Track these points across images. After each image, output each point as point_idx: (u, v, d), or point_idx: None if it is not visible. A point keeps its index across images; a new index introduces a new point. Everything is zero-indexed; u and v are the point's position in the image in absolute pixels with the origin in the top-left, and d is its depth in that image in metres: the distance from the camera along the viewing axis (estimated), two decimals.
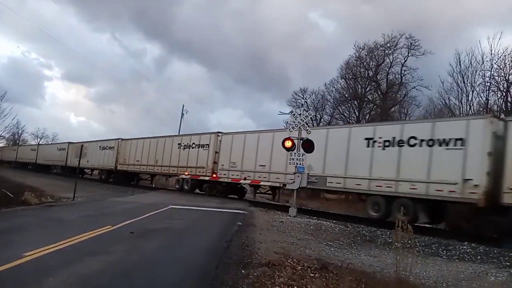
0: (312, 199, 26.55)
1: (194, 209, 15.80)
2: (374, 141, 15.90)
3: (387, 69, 39.17)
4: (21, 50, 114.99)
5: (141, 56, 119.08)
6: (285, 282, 5.50)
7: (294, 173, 16.18)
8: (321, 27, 79.99)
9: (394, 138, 15.30)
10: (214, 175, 23.36)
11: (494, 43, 29.29)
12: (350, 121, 39.25)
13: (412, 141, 14.70)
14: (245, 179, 21.74)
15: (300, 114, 16.81)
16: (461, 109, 30.21)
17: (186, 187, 25.78)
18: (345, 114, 41.82)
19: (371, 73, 40.04)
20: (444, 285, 6.76)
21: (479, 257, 9.73)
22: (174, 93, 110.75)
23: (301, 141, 15.91)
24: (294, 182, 16.32)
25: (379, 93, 40.27)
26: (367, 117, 39.66)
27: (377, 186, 15.47)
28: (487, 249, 10.50)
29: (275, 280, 5.57)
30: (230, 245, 8.26)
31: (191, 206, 16.43)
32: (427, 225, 15.39)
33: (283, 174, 19.13)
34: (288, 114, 30.34)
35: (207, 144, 24.34)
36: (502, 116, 19.91)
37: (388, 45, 37.92)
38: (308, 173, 16.38)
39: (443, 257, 9.79)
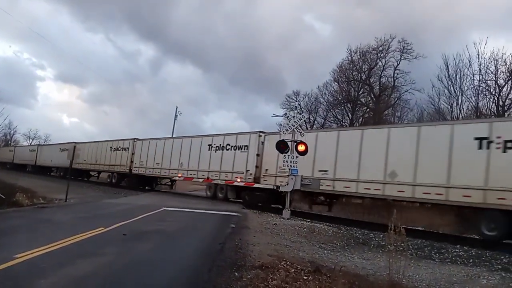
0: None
1: (188, 211, 15.76)
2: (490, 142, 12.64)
3: (380, 73, 39.34)
4: (13, 50, 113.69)
5: (135, 57, 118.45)
6: (278, 285, 5.49)
7: (288, 175, 16.22)
8: (316, 29, 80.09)
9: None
10: (255, 181, 20.50)
11: (481, 48, 29.53)
12: (344, 124, 39.41)
13: None
14: None
15: (293, 117, 16.84)
16: (452, 113, 30.45)
17: (220, 195, 22.79)
18: (339, 117, 41.99)
19: (364, 76, 40.21)
20: None
21: (471, 260, 9.79)
22: (168, 95, 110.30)
23: (295, 143, 15.94)
24: (287, 184, 16.35)
25: (372, 96, 40.44)
26: (360, 120, 39.83)
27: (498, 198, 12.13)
28: (479, 252, 10.58)
29: (268, 283, 5.55)
30: (223, 247, 8.23)
31: (184, 208, 16.38)
32: (420, 228, 15.47)
33: (354, 182, 16.06)
34: (282, 116, 30.45)
35: (245, 146, 21.40)
36: None
37: (381, 48, 38.10)
38: (302, 176, 16.38)
39: (436, 260, 9.84)
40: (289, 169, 15.94)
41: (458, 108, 30.31)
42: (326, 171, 17.09)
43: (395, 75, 38.23)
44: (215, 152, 23.12)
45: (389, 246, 6.14)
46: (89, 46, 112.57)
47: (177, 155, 25.98)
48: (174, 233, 10.37)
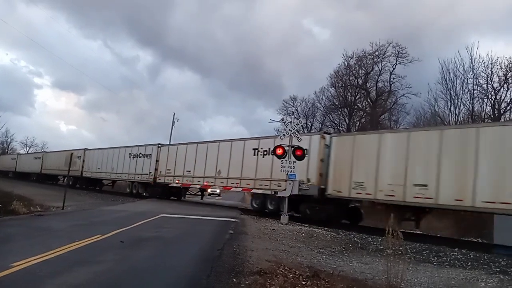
0: None
1: (185, 217, 15.71)
2: None
3: (376, 77, 39.63)
4: (10, 58, 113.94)
5: (133, 64, 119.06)
6: None
7: (286, 181, 16.23)
8: (315, 34, 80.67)
9: None
10: (320, 192, 17.14)
11: (473, 52, 29.70)
12: (341, 128, 39.54)
13: None
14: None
15: (291, 122, 16.88)
16: (450, 116, 30.57)
17: (270, 207, 19.65)
18: (336, 122, 42.16)
19: (360, 81, 40.45)
20: None
21: (469, 263, 9.81)
22: (167, 101, 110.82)
23: (292, 148, 15.97)
24: (285, 189, 16.35)
25: (369, 100, 40.64)
26: (357, 125, 39.98)
27: None
28: (478, 255, 10.60)
29: None
30: (221, 253, 8.21)
31: (182, 215, 16.33)
32: (418, 232, 15.49)
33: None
34: (279, 122, 30.48)
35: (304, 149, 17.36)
36: None
37: (377, 53, 38.41)
38: (299, 181, 16.37)
39: (434, 263, 9.85)
40: (287, 174, 15.93)
41: (455, 112, 30.47)
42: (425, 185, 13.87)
43: (391, 79, 38.52)
44: (262, 157, 20.22)
45: (387, 250, 6.15)
46: (87, 53, 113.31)
47: (213, 161, 23.01)
48: (172, 239, 10.33)
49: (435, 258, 10.45)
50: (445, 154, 13.48)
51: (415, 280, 7.35)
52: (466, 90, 29.78)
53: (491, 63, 28.39)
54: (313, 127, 43.31)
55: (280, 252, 9.18)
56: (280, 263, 7.38)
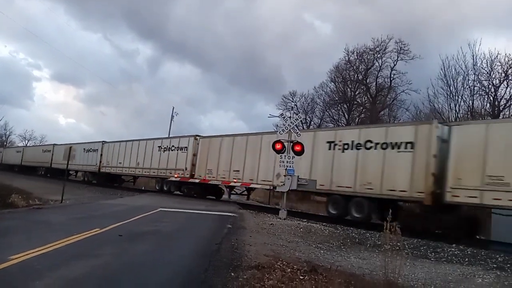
0: None
1: (184, 211, 15.72)
2: None
3: (377, 73, 39.63)
4: (9, 50, 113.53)
5: (133, 57, 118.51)
6: (274, 285, 5.50)
7: (285, 176, 16.23)
8: (317, 28, 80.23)
9: None
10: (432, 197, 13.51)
11: (475, 49, 29.68)
12: (340, 124, 39.50)
13: None
14: None
15: (290, 117, 16.85)
16: (449, 113, 30.57)
17: (356, 215, 15.79)
18: (335, 117, 42.14)
19: (360, 77, 40.43)
20: (432, 287, 6.82)
21: (467, 259, 9.84)
22: (166, 95, 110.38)
23: (291, 143, 15.96)
24: (284, 184, 16.36)
25: (369, 96, 40.65)
26: (356, 120, 39.96)
27: None
28: (475, 251, 10.64)
29: (265, 283, 5.55)
30: (219, 247, 8.22)
31: (180, 209, 16.33)
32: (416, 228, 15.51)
33: None
34: (278, 116, 30.46)
35: (406, 143, 14.60)
36: None
37: (378, 49, 38.36)
38: (298, 176, 16.37)
39: (432, 259, 9.89)
40: (286, 169, 15.93)
41: (455, 109, 30.48)
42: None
43: (392, 75, 38.48)
44: (342, 152, 16.82)
45: (385, 246, 6.17)
46: (86, 46, 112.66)
47: (271, 158, 18.76)
48: (170, 233, 10.34)
49: (433, 253, 10.48)
50: None
51: (413, 275, 7.38)
52: (467, 87, 29.83)
53: (492, 60, 28.42)
54: (312, 122, 43.36)
55: (278, 247, 9.20)
56: (278, 258, 7.40)
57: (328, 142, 17.44)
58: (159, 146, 27.44)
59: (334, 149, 17.14)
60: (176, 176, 25.20)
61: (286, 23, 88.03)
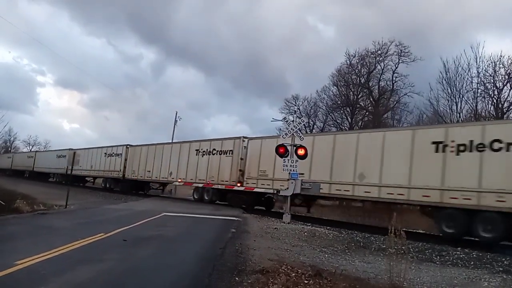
0: None
1: (188, 216, 15.73)
2: None
3: (379, 76, 39.58)
4: (13, 56, 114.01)
5: (136, 61, 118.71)
6: None
7: (288, 180, 16.22)
8: (320, 31, 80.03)
9: None
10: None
11: (479, 51, 29.61)
12: (343, 127, 39.48)
13: None
14: None
15: (293, 121, 16.85)
16: (451, 116, 30.50)
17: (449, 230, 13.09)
18: (338, 121, 42.10)
19: (363, 80, 40.37)
20: None
21: (472, 263, 9.78)
22: (170, 99, 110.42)
23: (294, 147, 15.95)
24: (287, 188, 16.34)
25: (371, 99, 40.59)
26: (359, 124, 39.92)
27: None
28: (480, 254, 10.57)
29: (269, 287, 5.55)
30: (224, 252, 8.22)
31: (184, 213, 16.35)
32: (421, 231, 15.46)
33: None
34: (281, 121, 30.42)
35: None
36: None
37: (379, 52, 38.35)
38: (302, 180, 16.35)
39: (437, 263, 9.83)
40: (289, 173, 15.92)
41: (457, 111, 30.41)
42: None
43: (394, 78, 38.45)
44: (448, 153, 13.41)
45: (389, 249, 6.15)
46: (90, 51, 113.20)
47: (331, 159, 16.84)
48: (174, 238, 10.36)
49: (438, 257, 10.42)
50: None
51: (418, 279, 7.34)
52: (470, 89, 29.78)
53: (494, 62, 28.36)
54: (315, 126, 43.32)
55: (283, 251, 9.18)
56: (283, 262, 7.38)
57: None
58: (196, 150, 24.50)
59: None
60: (218, 183, 22.37)
61: (289, 26, 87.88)
